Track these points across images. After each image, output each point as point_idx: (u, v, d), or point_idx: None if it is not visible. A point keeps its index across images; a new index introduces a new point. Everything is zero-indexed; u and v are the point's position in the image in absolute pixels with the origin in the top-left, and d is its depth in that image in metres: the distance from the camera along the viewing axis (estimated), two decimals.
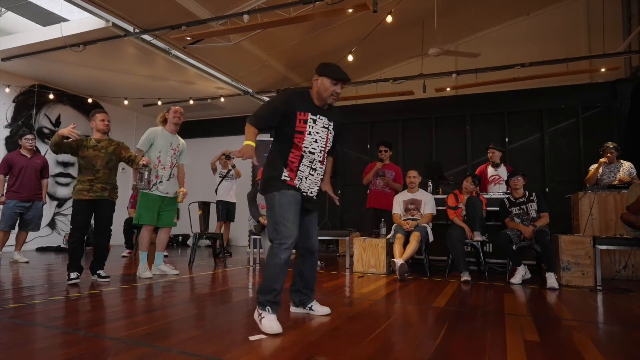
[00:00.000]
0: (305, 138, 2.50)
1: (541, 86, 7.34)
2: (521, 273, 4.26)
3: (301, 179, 2.53)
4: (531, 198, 4.49)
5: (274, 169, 2.54)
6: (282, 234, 2.40)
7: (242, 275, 4.66)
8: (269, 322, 2.29)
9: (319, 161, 2.57)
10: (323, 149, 2.57)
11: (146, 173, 4.04)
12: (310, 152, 2.52)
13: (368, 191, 5.65)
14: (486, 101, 7.82)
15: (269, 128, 2.61)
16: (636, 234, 4.21)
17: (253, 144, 2.46)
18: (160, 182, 4.33)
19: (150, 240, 4.45)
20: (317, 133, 2.53)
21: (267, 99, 8.83)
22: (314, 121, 2.52)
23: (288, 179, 2.51)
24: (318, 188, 2.64)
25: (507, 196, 4.70)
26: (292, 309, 2.81)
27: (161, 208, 4.39)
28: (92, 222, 4.02)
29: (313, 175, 2.57)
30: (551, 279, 3.96)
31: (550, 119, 7.49)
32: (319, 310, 2.74)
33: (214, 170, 6.75)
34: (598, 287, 4.03)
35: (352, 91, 8.61)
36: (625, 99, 6.99)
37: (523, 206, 4.49)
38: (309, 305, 2.75)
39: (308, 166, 2.54)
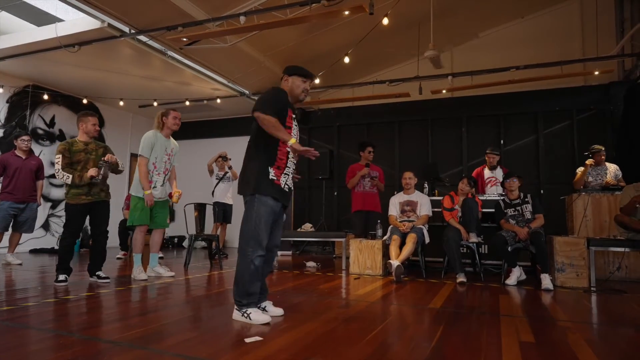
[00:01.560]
0: (291, 132, 2.62)
1: (536, 89, 7.39)
2: (516, 274, 4.28)
3: (287, 175, 2.66)
4: (526, 200, 4.51)
5: (259, 166, 2.58)
6: (256, 242, 2.52)
7: None
8: (258, 315, 2.49)
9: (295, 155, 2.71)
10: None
11: (103, 168, 3.88)
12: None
13: (353, 193, 5.58)
14: (482, 103, 7.86)
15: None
16: (630, 236, 4.23)
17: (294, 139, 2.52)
18: (155, 187, 4.28)
19: (144, 242, 4.43)
20: (294, 128, 2.69)
21: None
22: (293, 118, 2.69)
23: (275, 178, 2.59)
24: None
25: (502, 198, 4.72)
26: None
27: (155, 210, 4.36)
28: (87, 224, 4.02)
29: (292, 168, 2.72)
30: (546, 280, 3.98)
31: (545, 121, 7.54)
32: (273, 311, 2.70)
33: (211, 172, 6.73)
34: (592, 288, 4.06)
35: (349, 93, 8.62)
36: (618, 101, 7.04)
37: (518, 207, 4.51)
38: (263, 306, 2.69)
39: (292, 161, 2.69)
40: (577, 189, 5.22)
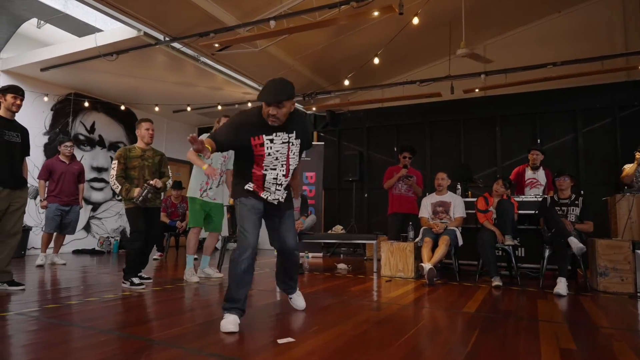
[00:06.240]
0: (265, 158, 2.52)
1: (574, 85, 7.09)
2: (565, 282, 4.05)
3: (269, 192, 2.59)
4: (576, 202, 4.31)
5: (241, 178, 2.63)
6: (243, 244, 2.49)
7: (270, 279, 4.69)
8: (227, 322, 2.37)
9: (283, 175, 2.59)
10: (285, 163, 2.57)
11: (146, 190, 3.86)
12: (272, 169, 2.55)
13: (390, 196, 5.54)
14: (516, 102, 7.62)
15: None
16: None
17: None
18: (210, 188, 4.37)
19: (197, 243, 4.45)
20: (277, 151, 2.52)
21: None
22: (271, 141, 2.49)
23: (255, 190, 2.61)
24: (286, 193, 2.69)
25: (552, 196, 4.52)
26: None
27: (211, 213, 4.41)
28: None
29: (279, 190, 2.61)
30: (560, 284, 3.79)
31: (585, 119, 7.23)
32: (297, 302, 2.98)
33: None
34: (638, 294, 3.85)
35: (378, 94, 8.56)
36: None
37: (564, 208, 4.31)
38: (290, 296, 3.00)
39: (273, 183, 2.58)
40: (626, 184, 4.96)
